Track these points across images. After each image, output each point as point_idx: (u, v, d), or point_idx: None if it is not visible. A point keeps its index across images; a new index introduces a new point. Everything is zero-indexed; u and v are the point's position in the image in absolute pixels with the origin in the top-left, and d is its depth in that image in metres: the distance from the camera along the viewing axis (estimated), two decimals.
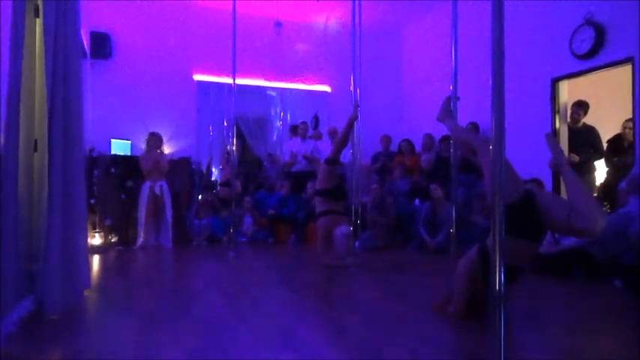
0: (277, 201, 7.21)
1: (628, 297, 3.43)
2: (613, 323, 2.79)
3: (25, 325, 2.49)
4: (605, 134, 5.83)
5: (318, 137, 7.77)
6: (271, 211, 7.06)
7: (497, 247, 1.72)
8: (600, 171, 6.06)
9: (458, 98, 3.81)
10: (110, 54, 7.20)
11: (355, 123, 4.76)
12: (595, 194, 5.80)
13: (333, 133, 7.41)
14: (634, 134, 5.08)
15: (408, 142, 7.54)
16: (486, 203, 5.48)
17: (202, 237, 6.70)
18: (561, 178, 2.71)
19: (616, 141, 5.68)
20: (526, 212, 2.48)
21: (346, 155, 7.16)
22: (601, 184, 5.91)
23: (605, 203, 5.42)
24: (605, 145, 5.74)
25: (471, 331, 2.51)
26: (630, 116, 5.41)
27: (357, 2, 4.89)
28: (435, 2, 7.50)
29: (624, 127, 5.55)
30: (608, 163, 5.72)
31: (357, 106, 4.75)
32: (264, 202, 7.33)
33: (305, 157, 7.33)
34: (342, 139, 4.79)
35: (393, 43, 8.95)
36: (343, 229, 4.64)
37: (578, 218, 2.38)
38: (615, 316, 2.97)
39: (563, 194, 5.30)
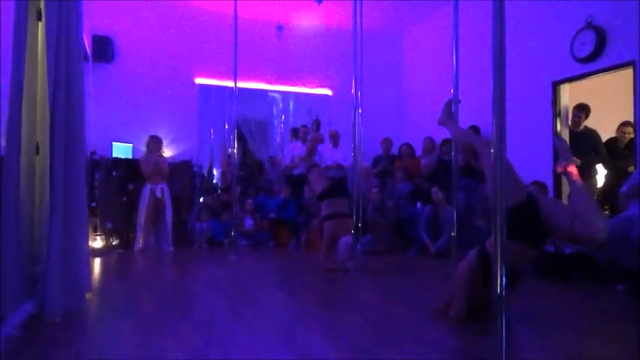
0: (278, 204, 7.21)
1: (630, 300, 3.42)
2: (615, 327, 2.78)
3: (26, 327, 2.49)
4: (607, 137, 5.83)
5: (319, 140, 7.77)
6: (272, 215, 7.06)
7: (498, 250, 1.72)
8: (601, 174, 6.05)
9: (459, 101, 3.81)
10: (112, 57, 7.22)
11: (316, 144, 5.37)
12: (596, 198, 5.79)
13: (334, 136, 7.43)
14: (635, 137, 5.08)
15: (408, 146, 7.51)
16: (488, 206, 5.47)
17: (203, 240, 6.69)
18: (567, 183, 2.68)
19: (610, 144, 5.69)
20: (528, 216, 2.47)
21: (347, 159, 7.18)
22: (600, 187, 5.91)
23: (604, 207, 5.40)
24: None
25: (472, 334, 2.51)
26: (626, 119, 5.43)
27: (358, 5, 4.90)
28: (436, 5, 7.51)
29: (623, 132, 5.57)
30: (605, 166, 5.72)
31: (318, 124, 4.95)
32: (265, 205, 7.33)
33: (302, 159, 7.31)
34: (307, 155, 5.50)
35: (394, 46, 8.94)
36: (347, 239, 4.62)
37: (581, 226, 2.35)
38: (617, 319, 2.97)
39: (565, 198, 5.32)
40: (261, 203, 7.37)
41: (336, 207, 4.82)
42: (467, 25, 5.45)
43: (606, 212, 5.26)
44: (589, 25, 5.27)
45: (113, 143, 6.88)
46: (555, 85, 5.73)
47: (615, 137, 5.70)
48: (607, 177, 5.67)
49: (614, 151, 5.60)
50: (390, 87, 8.78)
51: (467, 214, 5.76)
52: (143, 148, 6.67)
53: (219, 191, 7.60)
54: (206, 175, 7.82)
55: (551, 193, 5.56)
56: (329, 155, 7.42)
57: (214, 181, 8.03)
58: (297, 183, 7.31)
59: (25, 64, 2.64)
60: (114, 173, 6.43)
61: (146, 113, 7.38)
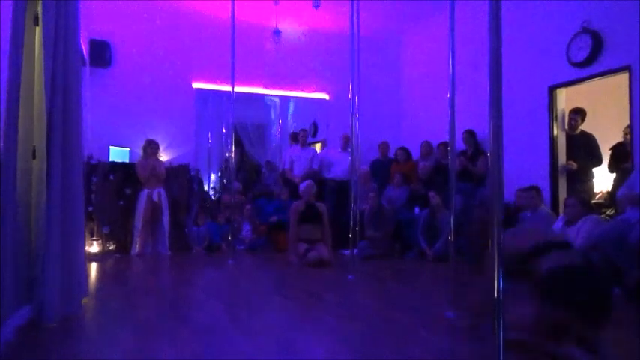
0: (276, 208, 7.19)
1: (627, 304, 3.43)
2: (612, 330, 2.78)
3: (23, 332, 2.48)
4: (603, 141, 5.84)
5: (324, 144, 7.78)
6: (274, 217, 7.03)
7: (496, 252, 1.72)
8: (598, 178, 6.07)
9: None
10: (109, 62, 7.21)
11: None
12: (593, 201, 5.80)
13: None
14: (632, 141, 5.09)
15: (404, 150, 7.48)
16: (486, 209, 5.46)
17: (201, 244, 6.66)
18: None
19: (618, 148, 5.69)
20: None
21: (345, 162, 7.15)
22: (608, 192, 5.91)
23: (611, 211, 5.40)
24: (608, 153, 5.75)
25: (470, 337, 2.51)
26: (625, 123, 5.43)
27: (355, 10, 4.92)
28: (433, 10, 7.54)
29: (625, 134, 5.55)
30: (612, 171, 5.72)
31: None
32: (264, 209, 7.32)
33: (305, 178, 7.23)
34: None
35: (391, 50, 8.97)
36: (307, 181, 5.71)
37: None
38: (615, 323, 2.96)
39: (561, 203, 5.32)
40: (260, 207, 7.35)
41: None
42: (463, 29, 5.48)
43: (609, 215, 5.25)
44: (585, 30, 5.30)
45: (110, 147, 6.87)
46: (551, 90, 5.76)
47: (622, 142, 5.68)
48: (615, 181, 5.65)
49: (622, 156, 5.57)
50: (388, 91, 8.80)
51: (464, 218, 5.77)
52: (140, 153, 6.67)
53: (217, 195, 7.60)
54: (203, 179, 7.81)
55: (547, 197, 5.58)
56: (337, 158, 7.35)
57: (211, 185, 8.02)
58: (295, 187, 7.28)
59: (23, 69, 2.64)
60: (111, 177, 6.41)
61: (143, 117, 7.37)
